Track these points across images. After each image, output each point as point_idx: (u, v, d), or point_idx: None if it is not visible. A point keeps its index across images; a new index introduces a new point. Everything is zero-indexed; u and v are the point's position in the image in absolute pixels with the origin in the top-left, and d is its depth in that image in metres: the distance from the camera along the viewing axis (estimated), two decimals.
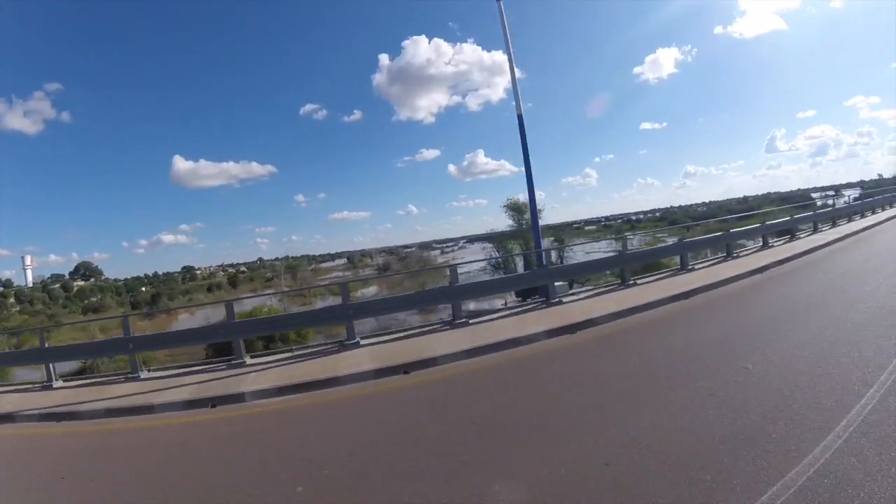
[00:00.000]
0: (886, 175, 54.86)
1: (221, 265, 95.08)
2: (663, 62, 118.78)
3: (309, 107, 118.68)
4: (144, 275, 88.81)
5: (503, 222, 24.76)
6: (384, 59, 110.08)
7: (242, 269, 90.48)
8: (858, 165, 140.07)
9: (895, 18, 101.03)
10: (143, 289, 72.68)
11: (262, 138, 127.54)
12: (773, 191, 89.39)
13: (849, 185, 70.98)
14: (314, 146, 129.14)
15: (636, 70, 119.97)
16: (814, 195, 47.76)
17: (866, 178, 59.20)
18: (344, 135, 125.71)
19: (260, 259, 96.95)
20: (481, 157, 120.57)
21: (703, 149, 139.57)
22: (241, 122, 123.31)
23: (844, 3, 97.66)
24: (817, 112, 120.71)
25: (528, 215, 20.67)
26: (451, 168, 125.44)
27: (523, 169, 10.88)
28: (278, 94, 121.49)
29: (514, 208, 23.59)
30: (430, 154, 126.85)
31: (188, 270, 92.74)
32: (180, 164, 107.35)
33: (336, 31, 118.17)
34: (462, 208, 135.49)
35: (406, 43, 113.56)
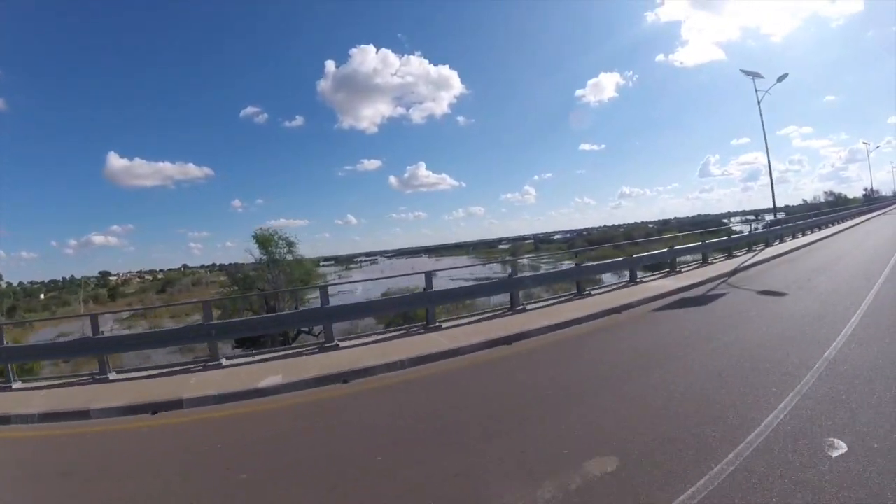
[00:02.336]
0: (817, 200, 59.03)
1: (140, 272, 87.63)
2: (605, 86, 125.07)
3: (250, 109, 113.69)
4: (56, 280, 79.66)
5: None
6: (330, 65, 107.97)
7: (159, 275, 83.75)
8: (789, 191, 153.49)
9: (830, 55, 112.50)
10: (42, 296, 64.65)
11: (200, 139, 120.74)
12: (703, 213, 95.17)
13: (773, 210, 76.06)
14: (253, 150, 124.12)
15: (578, 92, 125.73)
16: (735, 219, 50.30)
17: (793, 203, 63.75)
18: (285, 140, 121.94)
19: (184, 266, 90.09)
20: (423, 170, 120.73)
21: (639, 171, 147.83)
22: (178, 121, 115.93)
23: (782, 38, 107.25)
24: (751, 140, 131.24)
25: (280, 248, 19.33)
26: (392, 179, 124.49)
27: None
28: (219, 93, 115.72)
29: (263, 241, 19.78)
30: (372, 164, 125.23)
31: (104, 276, 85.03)
32: (115, 161, 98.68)
33: (282, 33, 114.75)
34: (401, 220, 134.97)
35: (354, 51, 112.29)
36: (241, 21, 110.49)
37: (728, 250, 16.13)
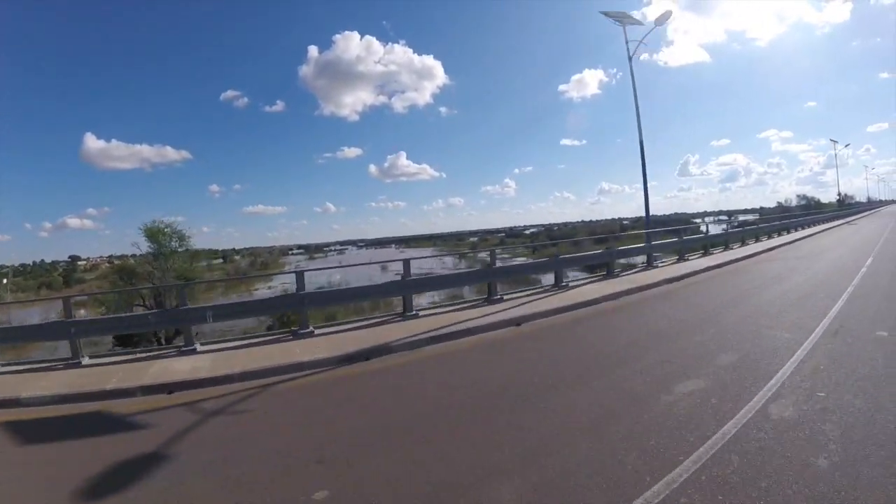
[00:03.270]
0: (788, 203, 58.69)
1: (111, 257, 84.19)
2: (588, 82, 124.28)
3: (230, 93, 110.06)
4: (26, 263, 76.00)
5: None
6: (313, 51, 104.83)
7: (130, 260, 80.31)
8: (766, 193, 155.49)
9: (814, 62, 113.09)
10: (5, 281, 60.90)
11: (179, 122, 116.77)
12: (681, 211, 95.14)
13: (748, 211, 76.11)
14: (233, 134, 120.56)
15: (561, 87, 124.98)
16: (709, 219, 49.50)
17: (770, 205, 63.56)
18: (264, 125, 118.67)
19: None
20: (403, 160, 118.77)
21: (618, 167, 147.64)
22: (157, 103, 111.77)
23: (768, 42, 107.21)
24: (731, 141, 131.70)
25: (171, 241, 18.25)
26: (373, 168, 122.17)
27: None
28: (199, 76, 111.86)
29: (152, 234, 18.53)
30: (352, 152, 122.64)
31: (73, 260, 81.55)
32: (92, 142, 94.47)
33: (266, 16, 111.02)
34: (381, 209, 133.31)
35: (337, 37, 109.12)
36: (224, 3, 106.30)
37: (680, 252, 14.79)
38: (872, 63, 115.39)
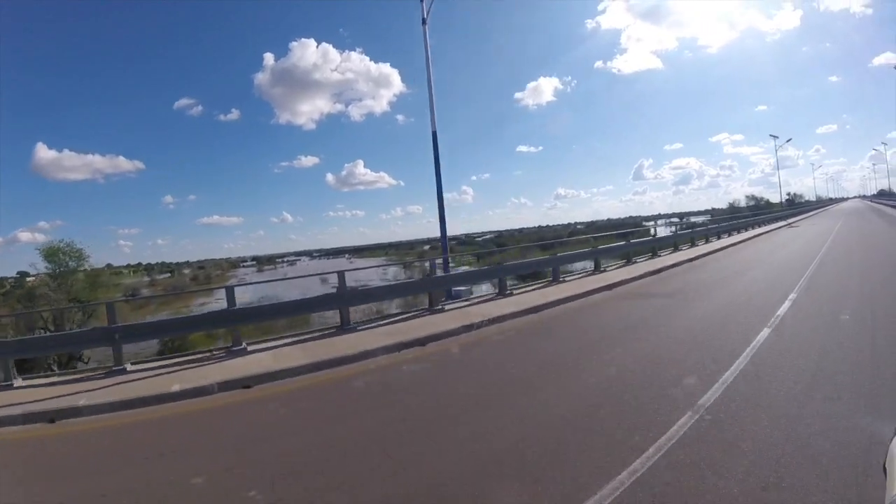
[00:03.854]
0: (737, 204, 60.22)
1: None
2: (544, 90, 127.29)
3: (184, 101, 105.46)
4: None
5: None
6: (269, 58, 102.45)
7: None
8: (719, 195, 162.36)
9: (765, 68, 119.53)
10: None
11: (132, 131, 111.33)
12: (636, 214, 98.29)
13: (700, 213, 78.98)
14: (187, 144, 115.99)
15: (517, 95, 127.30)
16: (659, 221, 51.14)
17: (721, 206, 65.99)
18: (220, 134, 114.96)
19: (108, 265, 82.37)
20: (361, 168, 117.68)
21: (574, 173, 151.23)
22: (110, 111, 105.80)
23: (719, 49, 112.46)
24: (684, 145, 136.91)
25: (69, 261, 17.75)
26: (330, 177, 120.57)
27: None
28: (153, 83, 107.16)
29: (51, 255, 17.61)
30: (309, 161, 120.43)
31: (22, 276, 76.25)
32: (43, 152, 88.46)
33: (221, 22, 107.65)
34: (339, 218, 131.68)
35: (294, 44, 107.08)
36: (178, 8, 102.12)
37: (597, 262, 13.36)
38: (822, 67, 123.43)
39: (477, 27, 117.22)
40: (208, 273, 60.26)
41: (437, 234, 11.64)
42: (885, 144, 47.26)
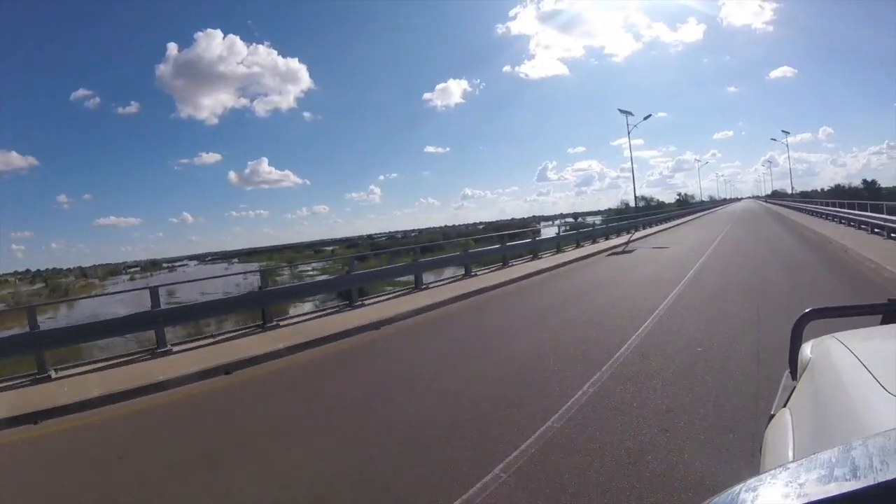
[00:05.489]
0: (625, 204, 62.15)
1: None
2: (453, 91, 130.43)
3: (81, 92, 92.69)
4: None
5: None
6: (173, 48, 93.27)
7: None
8: (619, 195, 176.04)
9: (667, 77, 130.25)
10: None
11: (24, 123, 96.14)
12: (539, 214, 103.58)
13: (597, 213, 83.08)
14: (83, 138, 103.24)
15: (426, 96, 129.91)
16: (556, 222, 53.07)
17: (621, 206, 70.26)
18: (118, 128, 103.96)
19: None
20: (265, 166, 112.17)
21: (481, 174, 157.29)
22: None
23: (624, 59, 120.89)
24: (587, 149, 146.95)
25: None
26: (233, 175, 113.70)
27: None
28: (47, 73, 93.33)
29: None
30: (211, 158, 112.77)
31: None
32: None
33: (124, 8, 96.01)
34: (242, 219, 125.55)
35: (199, 35, 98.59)
36: None
37: (504, 259, 15.08)
38: (721, 78, 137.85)
39: (388, 27, 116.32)
40: (67, 286, 51.90)
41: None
42: (786, 133, 52.67)
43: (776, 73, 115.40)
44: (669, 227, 33.57)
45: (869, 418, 0.84)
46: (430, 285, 12.07)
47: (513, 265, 15.58)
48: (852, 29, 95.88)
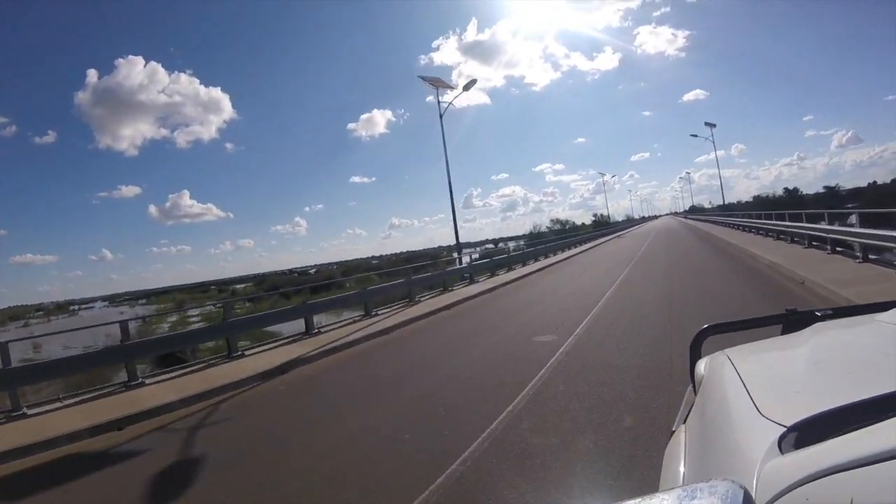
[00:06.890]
0: (538, 229, 61.39)
1: None
2: (377, 121, 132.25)
3: None
4: None
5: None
6: (93, 75, 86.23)
7: None
8: (543, 219, 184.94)
9: (584, 104, 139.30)
10: None
11: None
12: (466, 240, 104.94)
13: (518, 238, 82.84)
14: None
15: (350, 125, 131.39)
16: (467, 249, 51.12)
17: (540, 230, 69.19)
18: (34, 159, 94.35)
19: None
20: (187, 199, 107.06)
21: (408, 203, 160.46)
22: None
23: (543, 87, 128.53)
24: (509, 175, 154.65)
25: None
26: (153, 209, 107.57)
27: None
28: None
29: None
30: (130, 191, 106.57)
31: None
32: None
33: (43, 31, 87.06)
34: (163, 255, 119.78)
35: (120, 61, 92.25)
36: None
37: (366, 307, 13.39)
38: (636, 103, 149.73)
39: (312, 56, 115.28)
40: None
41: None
42: (711, 125, 49.16)
43: (689, 96, 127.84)
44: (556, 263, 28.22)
45: (743, 441, 0.81)
46: (323, 329, 11.71)
47: (420, 301, 15.60)
48: (760, 50, 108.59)
